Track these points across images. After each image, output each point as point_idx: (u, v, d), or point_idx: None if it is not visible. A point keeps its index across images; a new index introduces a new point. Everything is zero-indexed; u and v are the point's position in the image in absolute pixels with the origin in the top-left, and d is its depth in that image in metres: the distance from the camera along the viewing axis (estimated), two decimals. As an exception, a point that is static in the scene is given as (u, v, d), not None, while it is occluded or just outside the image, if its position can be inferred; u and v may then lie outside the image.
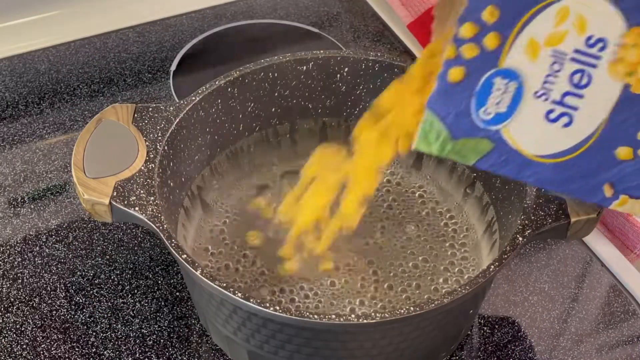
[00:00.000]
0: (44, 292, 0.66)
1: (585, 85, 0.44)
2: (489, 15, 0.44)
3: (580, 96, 0.44)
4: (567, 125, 0.45)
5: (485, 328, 0.65)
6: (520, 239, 0.54)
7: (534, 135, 0.46)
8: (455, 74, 0.46)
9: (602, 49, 0.43)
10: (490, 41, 0.45)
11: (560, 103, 0.45)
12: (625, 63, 0.43)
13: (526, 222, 0.55)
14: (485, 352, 0.64)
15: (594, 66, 0.44)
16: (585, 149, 0.46)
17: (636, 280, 0.68)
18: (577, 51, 0.44)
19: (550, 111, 0.45)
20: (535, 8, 0.43)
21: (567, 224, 0.56)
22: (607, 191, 0.47)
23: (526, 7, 0.44)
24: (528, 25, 0.44)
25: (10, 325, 0.64)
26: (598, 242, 0.71)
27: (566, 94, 0.45)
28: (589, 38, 0.43)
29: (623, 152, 0.46)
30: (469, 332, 0.65)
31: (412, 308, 0.49)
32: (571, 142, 0.46)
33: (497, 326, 0.65)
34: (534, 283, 0.68)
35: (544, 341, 0.64)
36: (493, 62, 0.45)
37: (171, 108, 0.62)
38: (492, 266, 0.52)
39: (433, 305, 0.50)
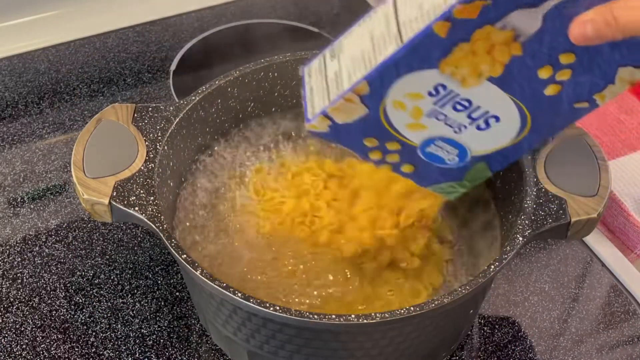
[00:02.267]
0: (43, 292, 0.66)
1: (470, 102, 0.51)
2: (369, 143, 0.54)
3: (478, 107, 0.51)
4: (498, 121, 0.53)
5: (485, 328, 0.65)
6: (520, 239, 0.54)
7: (491, 140, 0.54)
8: (407, 168, 0.57)
9: (444, 87, 0.50)
10: (391, 146, 0.55)
11: (474, 120, 0.52)
12: (466, 78, 0.49)
13: (526, 222, 0.55)
14: (486, 352, 0.63)
15: (457, 94, 0.50)
16: (529, 116, 0.53)
17: (636, 280, 0.68)
18: (435, 103, 0.51)
19: (478, 126, 0.53)
20: (383, 120, 0.52)
21: (567, 224, 0.56)
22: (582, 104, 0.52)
23: (376, 130, 0.53)
24: (397, 126, 0.53)
25: (10, 325, 0.64)
26: (598, 242, 0.71)
27: (468, 116, 0.52)
28: (429, 93, 0.50)
29: (550, 90, 0.51)
30: (469, 332, 0.65)
31: (412, 308, 0.49)
32: (516, 123, 0.53)
33: (497, 326, 0.65)
34: (534, 283, 0.68)
35: (544, 341, 0.64)
36: (410, 149, 0.55)
37: (171, 108, 0.62)
38: (492, 266, 0.52)
39: (433, 305, 0.50)
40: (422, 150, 0.55)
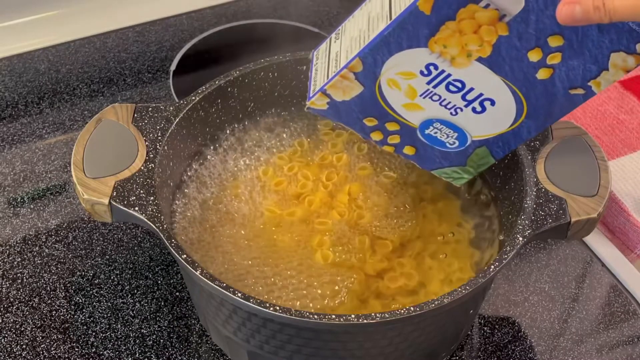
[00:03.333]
0: (43, 292, 0.66)
1: (463, 83, 0.52)
2: (369, 122, 0.56)
3: (471, 89, 0.53)
4: (493, 104, 0.54)
5: (485, 328, 0.65)
6: (520, 239, 0.54)
7: (489, 124, 0.55)
8: (409, 150, 0.59)
9: (435, 67, 0.51)
10: (391, 127, 0.57)
11: (469, 102, 0.54)
12: (455, 58, 0.51)
13: (526, 222, 0.55)
14: (486, 352, 0.63)
15: (449, 75, 0.52)
16: (524, 101, 0.54)
17: (636, 280, 0.68)
18: (428, 83, 0.53)
19: (474, 109, 0.54)
20: (379, 98, 0.54)
21: (567, 224, 0.56)
22: (579, 91, 0.53)
23: (374, 109, 0.55)
24: (394, 105, 0.55)
25: (10, 325, 0.64)
26: (598, 242, 0.71)
27: (463, 97, 0.54)
28: (422, 73, 0.52)
29: (542, 74, 0.52)
30: (469, 332, 0.65)
31: (412, 308, 0.49)
32: (512, 108, 0.54)
33: (497, 326, 0.65)
34: (534, 283, 0.68)
35: (544, 341, 0.64)
36: (410, 130, 0.57)
37: (171, 108, 0.62)
38: (492, 266, 0.52)
39: (433, 305, 0.50)
40: (421, 132, 0.57)
